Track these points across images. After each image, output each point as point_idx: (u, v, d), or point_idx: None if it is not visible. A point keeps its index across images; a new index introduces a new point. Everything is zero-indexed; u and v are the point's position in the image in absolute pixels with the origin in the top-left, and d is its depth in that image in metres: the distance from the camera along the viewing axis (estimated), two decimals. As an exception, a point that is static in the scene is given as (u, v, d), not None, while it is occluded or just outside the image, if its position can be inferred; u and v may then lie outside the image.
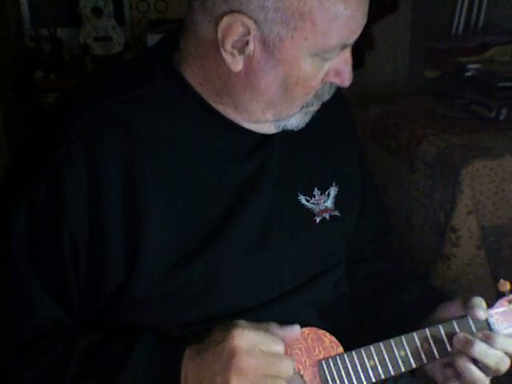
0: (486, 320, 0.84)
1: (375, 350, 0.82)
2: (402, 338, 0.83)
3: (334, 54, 0.80)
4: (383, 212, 1.11)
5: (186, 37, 0.83)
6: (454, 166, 1.55)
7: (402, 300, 0.97)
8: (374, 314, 1.01)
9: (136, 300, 0.81)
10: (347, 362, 0.82)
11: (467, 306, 0.84)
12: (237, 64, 0.79)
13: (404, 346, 0.83)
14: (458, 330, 0.84)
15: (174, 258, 0.81)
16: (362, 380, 0.82)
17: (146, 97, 0.83)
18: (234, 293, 0.85)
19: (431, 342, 0.83)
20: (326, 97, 0.85)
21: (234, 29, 0.76)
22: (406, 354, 0.83)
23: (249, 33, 0.76)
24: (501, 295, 0.86)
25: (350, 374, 0.82)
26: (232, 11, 0.76)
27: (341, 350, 0.83)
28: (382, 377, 0.83)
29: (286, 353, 0.78)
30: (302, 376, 0.81)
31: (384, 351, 0.82)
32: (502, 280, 0.86)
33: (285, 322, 0.82)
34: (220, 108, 0.85)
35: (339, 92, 0.87)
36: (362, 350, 0.83)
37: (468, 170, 1.52)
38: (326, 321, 0.89)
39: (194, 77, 0.84)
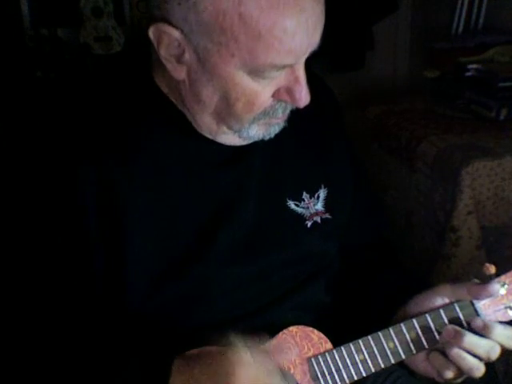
0: (473, 306, 0.83)
1: (364, 344, 0.82)
2: (390, 329, 0.83)
3: (273, 74, 0.73)
4: (375, 209, 1.08)
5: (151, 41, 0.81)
6: (454, 166, 1.55)
7: (376, 292, 0.96)
8: (353, 307, 0.99)
9: (129, 313, 0.81)
10: (336, 357, 0.82)
11: (476, 289, 0.82)
12: (178, 72, 0.76)
13: (392, 338, 0.82)
14: (445, 317, 0.83)
15: (160, 271, 0.80)
16: (352, 374, 0.82)
17: (125, 109, 0.81)
18: (223, 302, 0.84)
19: (419, 332, 0.83)
20: (280, 113, 0.79)
21: (162, 37, 0.73)
22: (395, 346, 0.82)
23: (179, 42, 0.73)
24: (486, 279, 0.84)
25: (339, 370, 0.82)
26: (161, 18, 0.72)
27: (329, 345, 0.83)
28: (373, 370, 0.83)
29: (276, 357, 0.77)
30: (292, 375, 0.81)
31: (373, 344, 0.82)
32: (487, 264, 0.84)
33: (276, 327, 0.81)
34: (191, 119, 0.82)
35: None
36: (351, 345, 0.82)
37: (468, 170, 1.52)
38: (319, 323, 0.87)
39: (163, 85, 0.82)
